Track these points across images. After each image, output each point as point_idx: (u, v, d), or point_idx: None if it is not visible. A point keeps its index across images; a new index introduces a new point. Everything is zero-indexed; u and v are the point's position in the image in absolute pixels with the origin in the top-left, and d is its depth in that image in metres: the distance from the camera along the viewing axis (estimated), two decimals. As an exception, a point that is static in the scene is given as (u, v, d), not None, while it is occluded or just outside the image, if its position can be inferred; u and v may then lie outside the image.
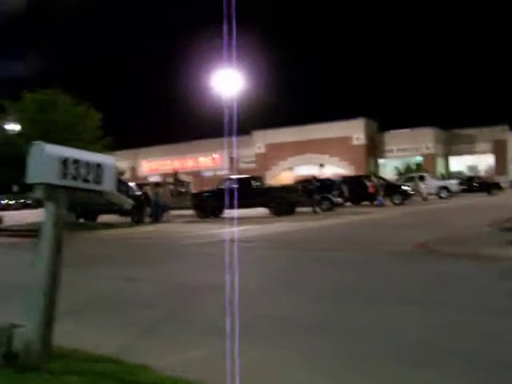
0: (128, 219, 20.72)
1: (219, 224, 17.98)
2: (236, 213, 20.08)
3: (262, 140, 54.61)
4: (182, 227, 18.30)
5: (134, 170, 59.64)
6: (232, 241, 10.79)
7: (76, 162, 3.16)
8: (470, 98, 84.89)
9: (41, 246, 3.16)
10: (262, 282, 6.93)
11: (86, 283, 7.17)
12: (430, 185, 34.02)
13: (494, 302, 5.08)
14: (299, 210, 22.73)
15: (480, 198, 30.57)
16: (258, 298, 5.66)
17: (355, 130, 50.24)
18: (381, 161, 52.19)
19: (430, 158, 49.02)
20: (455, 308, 4.89)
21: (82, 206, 18.64)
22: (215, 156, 56.77)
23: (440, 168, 50.09)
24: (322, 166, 49.90)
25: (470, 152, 50.88)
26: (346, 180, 29.01)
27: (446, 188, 33.83)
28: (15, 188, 23.32)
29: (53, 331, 3.18)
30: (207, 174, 57.03)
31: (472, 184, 37.37)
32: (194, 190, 34.12)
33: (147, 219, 20.94)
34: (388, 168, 50.04)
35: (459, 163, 51.92)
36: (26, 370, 3.06)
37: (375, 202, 27.07)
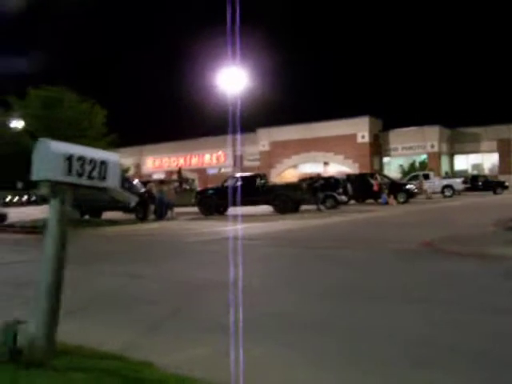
0: (132, 216, 20.74)
1: (223, 221, 17.99)
2: (240, 210, 20.09)
3: (266, 138, 54.48)
4: (187, 224, 18.32)
5: (138, 167, 59.75)
6: (236, 238, 10.81)
7: (81, 158, 3.16)
8: (474, 96, 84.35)
9: (45, 242, 3.17)
10: (266, 279, 6.92)
11: (90, 280, 7.19)
12: (434, 183, 33.96)
13: (498, 301, 5.06)
14: (303, 207, 22.72)
15: (484, 197, 30.49)
16: (261, 296, 5.66)
17: (360, 128, 50.07)
18: (385, 159, 52.00)
19: (434, 157, 48.84)
20: (460, 307, 4.88)
21: (86, 202, 18.65)
22: (219, 153, 56.76)
23: (445, 166, 49.89)
24: (326, 163, 49.83)
25: (475, 151, 50.64)
26: (350, 178, 29.04)
27: (450, 186, 33.76)
28: (20, 185, 23.36)
29: (57, 328, 3.19)
30: (212, 171, 57.03)
31: (476, 183, 37.21)
32: (198, 188, 34.12)
33: (151, 216, 20.97)
34: (392, 166, 49.94)
35: (464, 162, 51.71)
36: (30, 367, 3.07)
37: (379, 200, 27.04)
